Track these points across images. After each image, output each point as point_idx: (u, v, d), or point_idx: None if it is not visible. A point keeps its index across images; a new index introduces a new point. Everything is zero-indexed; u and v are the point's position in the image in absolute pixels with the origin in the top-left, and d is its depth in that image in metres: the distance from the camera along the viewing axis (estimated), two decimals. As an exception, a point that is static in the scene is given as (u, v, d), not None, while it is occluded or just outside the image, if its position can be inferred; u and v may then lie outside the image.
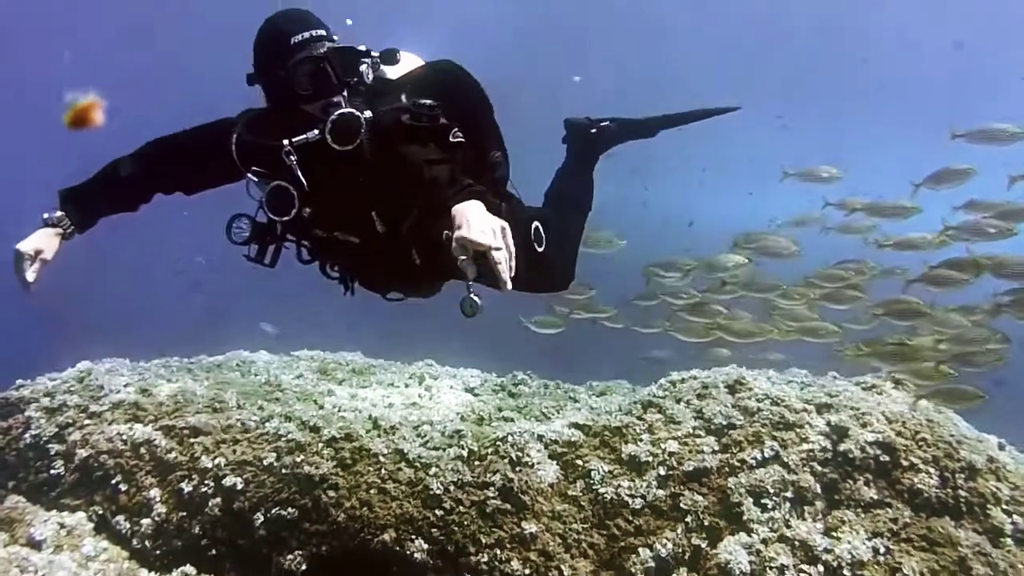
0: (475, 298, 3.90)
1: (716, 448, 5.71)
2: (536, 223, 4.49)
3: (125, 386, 6.16)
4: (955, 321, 7.57)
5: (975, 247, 7.71)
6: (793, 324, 8.26)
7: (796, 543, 5.10)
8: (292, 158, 3.72)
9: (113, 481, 5.48)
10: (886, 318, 7.75)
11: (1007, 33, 23.74)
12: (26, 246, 3.74)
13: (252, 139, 3.83)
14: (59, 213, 3.87)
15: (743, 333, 8.40)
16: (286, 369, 7.51)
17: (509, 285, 3.24)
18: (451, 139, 3.86)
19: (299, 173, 3.74)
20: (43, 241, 3.79)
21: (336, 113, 3.68)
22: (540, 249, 4.45)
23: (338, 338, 8.77)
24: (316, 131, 3.69)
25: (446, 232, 3.95)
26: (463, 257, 3.19)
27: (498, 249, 3.19)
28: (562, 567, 5.12)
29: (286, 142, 3.72)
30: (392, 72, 4.12)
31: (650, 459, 5.66)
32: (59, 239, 3.85)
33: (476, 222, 3.26)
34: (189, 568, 4.96)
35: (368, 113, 3.74)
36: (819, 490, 5.43)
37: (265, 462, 5.48)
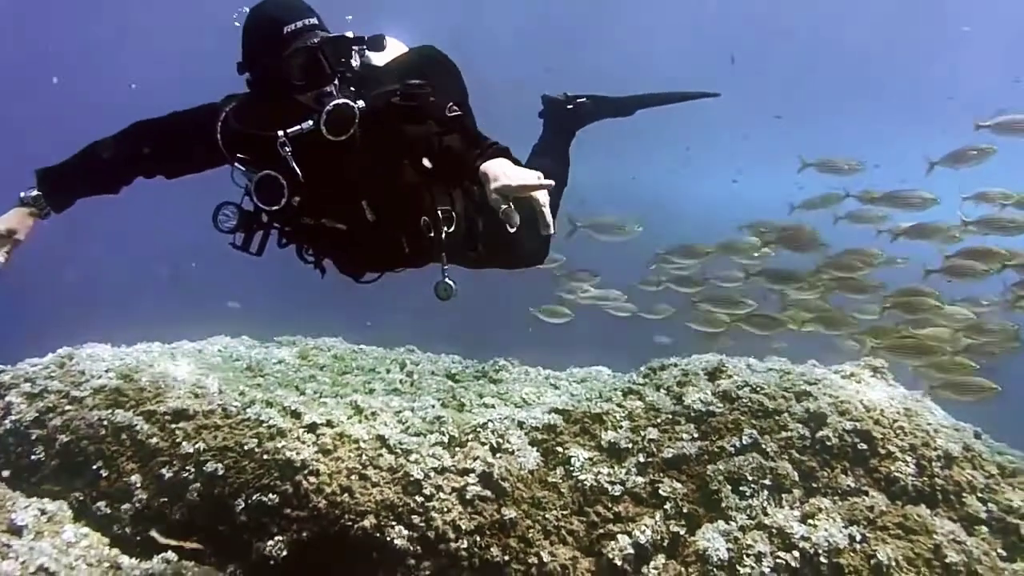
0: (449, 282, 4.03)
1: (695, 435, 5.75)
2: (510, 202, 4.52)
3: (106, 371, 6.14)
4: (960, 314, 7.62)
5: (985, 239, 7.78)
6: (808, 315, 8.31)
7: (774, 530, 5.14)
8: (287, 149, 3.70)
9: (94, 467, 5.47)
10: (895, 310, 7.82)
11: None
12: None
13: (243, 128, 3.80)
14: (36, 193, 3.81)
15: (761, 324, 8.44)
16: (267, 355, 7.50)
17: (552, 228, 3.27)
18: (448, 113, 3.82)
19: (293, 164, 3.72)
20: (16, 221, 3.73)
21: (331, 104, 3.65)
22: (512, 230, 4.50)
23: (320, 324, 8.77)
24: (310, 122, 3.66)
25: (424, 219, 4.00)
26: (504, 207, 3.21)
27: (540, 188, 3.23)
28: (541, 553, 5.15)
29: (281, 133, 3.69)
30: (378, 58, 4.12)
31: (630, 446, 5.70)
32: (33, 220, 3.79)
33: (512, 171, 3.32)
34: (170, 554, 4.96)
35: (361, 103, 3.72)
36: (797, 477, 5.48)
37: (246, 448, 5.48)
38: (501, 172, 3.32)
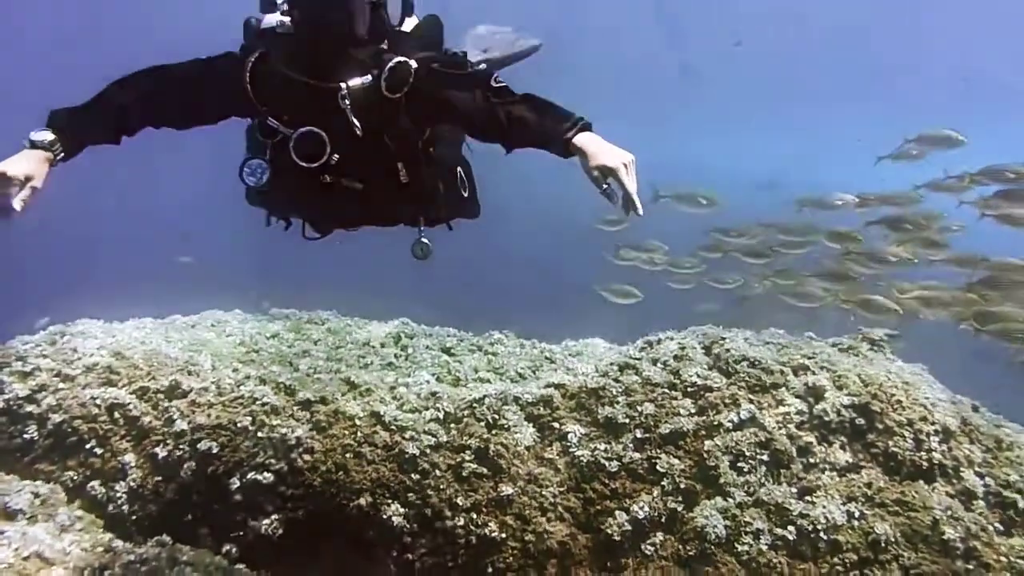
0: (426, 241, 4.08)
1: (693, 410, 5.71)
2: (459, 168, 4.51)
3: (98, 348, 6.07)
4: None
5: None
6: (907, 292, 8.30)
7: (772, 507, 5.13)
8: (347, 102, 3.69)
9: (87, 446, 5.43)
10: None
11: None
12: (15, 169, 3.32)
13: (295, 77, 3.73)
14: (51, 136, 3.50)
15: (868, 306, 8.41)
16: (260, 329, 7.44)
17: (640, 209, 3.40)
18: (494, 83, 3.82)
19: (353, 119, 3.72)
20: (34, 165, 3.39)
21: (394, 61, 3.71)
22: (465, 194, 4.55)
23: (313, 295, 8.70)
24: (370, 76, 3.70)
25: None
26: (605, 185, 3.38)
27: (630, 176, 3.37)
28: (539, 530, 5.13)
29: (344, 85, 3.69)
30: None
31: (627, 421, 5.66)
32: (48, 165, 3.46)
33: (608, 149, 3.43)
34: (165, 537, 4.91)
35: (414, 63, 3.77)
36: (795, 453, 5.45)
37: (240, 425, 5.44)
38: (599, 149, 3.42)
